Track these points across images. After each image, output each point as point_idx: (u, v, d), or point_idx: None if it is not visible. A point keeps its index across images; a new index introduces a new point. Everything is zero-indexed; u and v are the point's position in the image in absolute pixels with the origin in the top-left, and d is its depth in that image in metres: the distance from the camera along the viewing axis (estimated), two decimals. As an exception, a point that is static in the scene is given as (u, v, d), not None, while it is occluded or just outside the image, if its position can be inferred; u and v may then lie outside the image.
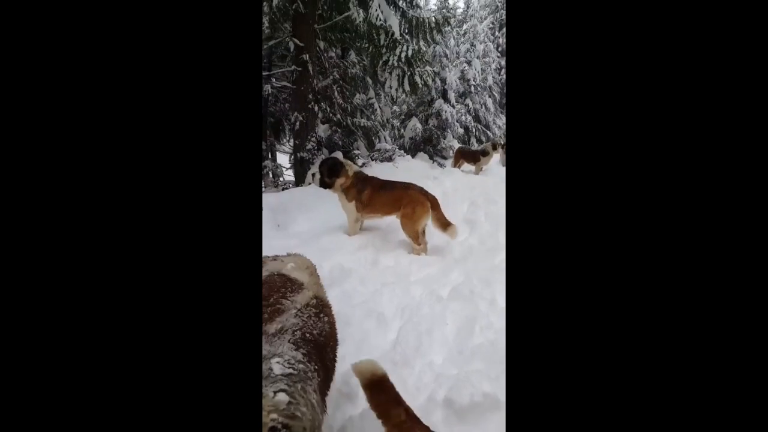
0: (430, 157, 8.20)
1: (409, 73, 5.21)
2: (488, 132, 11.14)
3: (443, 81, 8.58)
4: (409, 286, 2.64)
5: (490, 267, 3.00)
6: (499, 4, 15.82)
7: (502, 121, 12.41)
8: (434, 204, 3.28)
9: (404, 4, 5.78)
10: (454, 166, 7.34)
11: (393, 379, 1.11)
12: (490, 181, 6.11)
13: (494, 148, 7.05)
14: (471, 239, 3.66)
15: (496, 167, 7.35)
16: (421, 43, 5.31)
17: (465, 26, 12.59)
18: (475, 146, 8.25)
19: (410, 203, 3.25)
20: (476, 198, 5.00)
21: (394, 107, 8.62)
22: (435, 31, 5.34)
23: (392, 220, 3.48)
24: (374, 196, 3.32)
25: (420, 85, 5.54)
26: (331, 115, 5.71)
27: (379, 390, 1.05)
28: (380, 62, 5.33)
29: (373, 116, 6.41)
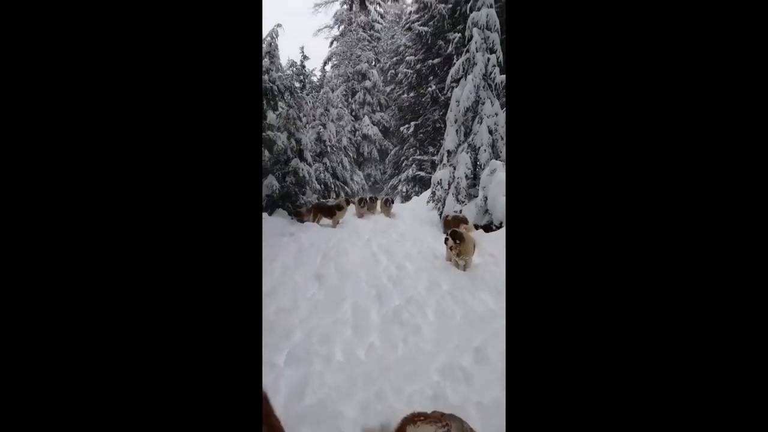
0: (290, 213, 8.19)
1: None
2: (346, 187, 11.94)
3: (298, 141, 8.94)
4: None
5: (332, 321, 3.09)
6: (350, 75, 17.94)
7: (359, 176, 13.53)
8: None
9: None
10: (313, 221, 7.51)
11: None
12: (345, 233, 6.45)
13: (347, 203, 7.57)
14: (318, 294, 3.72)
15: (352, 219, 7.82)
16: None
17: (321, 92, 13.64)
18: (332, 201, 8.69)
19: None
20: (329, 250, 5.17)
21: (250, 165, 8.43)
22: (278, 99, 5.66)
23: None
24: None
25: (261, 149, 5.67)
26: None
27: None
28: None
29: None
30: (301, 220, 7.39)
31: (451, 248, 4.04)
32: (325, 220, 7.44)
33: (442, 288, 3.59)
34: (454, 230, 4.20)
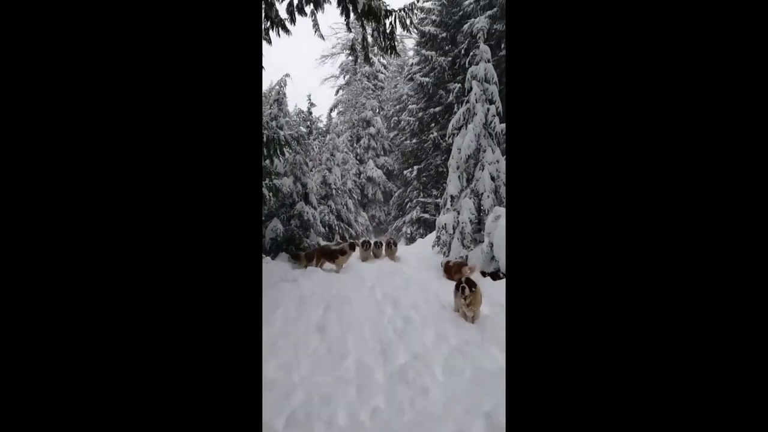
0: (291, 257, 8.14)
1: (255, 186, 5.45)
2: (350, 229, 12.00)
3: (304, 185, 9.13)
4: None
5: (335, 379, 2.95)
6: (355, 122, 18.72)
7: (363, 218, 13.65)
8: None
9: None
10: (316, 265, 7.42)
11: None
12: (348, 279, 6.34)
13: (352, 247, 7.53)
14: (321, 348, 3.59)
15: (355, 263, 7.73)
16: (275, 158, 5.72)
17: (327, 137, 14.15)
18: (334, 244, 8.66)
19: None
20: (332, 299, 5.06)
21: (255, 208, 8.55)
22: (284, 148, 5.89)
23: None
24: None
25: (268, 197, 5.80)
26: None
27: None
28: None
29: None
30: (304, 266, 7.27)
31: (465, 298, 3.93)
32: (328, 264, 7.37)
33: (450, 343, 3.45)
34: (468, 278, 4.10)
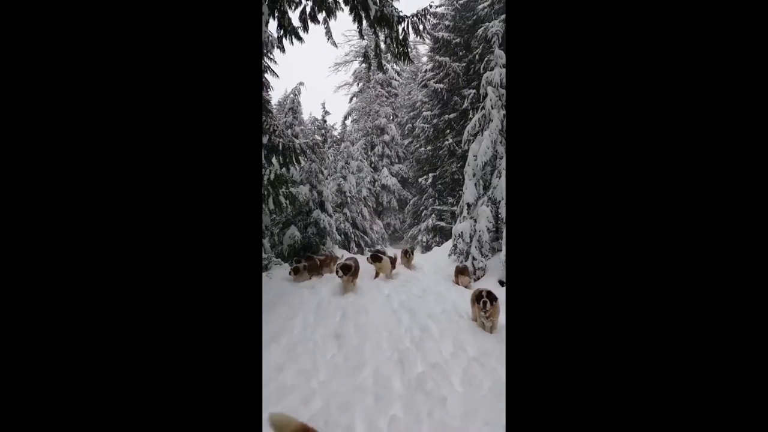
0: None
1: (273, 195, 5.55)
2: (366, 237, 12.05)
3: (320, 193, 9.26)
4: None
5: (351, 387, 2.95)
6: (369, 129, 18.89)
7: (378, 226, 13.69)
8: None
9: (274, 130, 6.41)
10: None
11: None
12: (364, 287, 6.35)
13: (348, 268, 7.18)
14: (338, 356, 3.60)
15: (369, 270, 7.71)
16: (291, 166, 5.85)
17: (342, 145, 14.32)
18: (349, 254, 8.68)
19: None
20: (348, 307, 5.07)
21: (273, 216, 8.71)
22: (300, 156, 6.00)
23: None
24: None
25: (285, 204, 5.91)
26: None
27: None
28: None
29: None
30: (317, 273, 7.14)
31: (485, 311, 3.89)
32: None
33: (468, 353, 3.41)
34: (489, 291, 4.05)
